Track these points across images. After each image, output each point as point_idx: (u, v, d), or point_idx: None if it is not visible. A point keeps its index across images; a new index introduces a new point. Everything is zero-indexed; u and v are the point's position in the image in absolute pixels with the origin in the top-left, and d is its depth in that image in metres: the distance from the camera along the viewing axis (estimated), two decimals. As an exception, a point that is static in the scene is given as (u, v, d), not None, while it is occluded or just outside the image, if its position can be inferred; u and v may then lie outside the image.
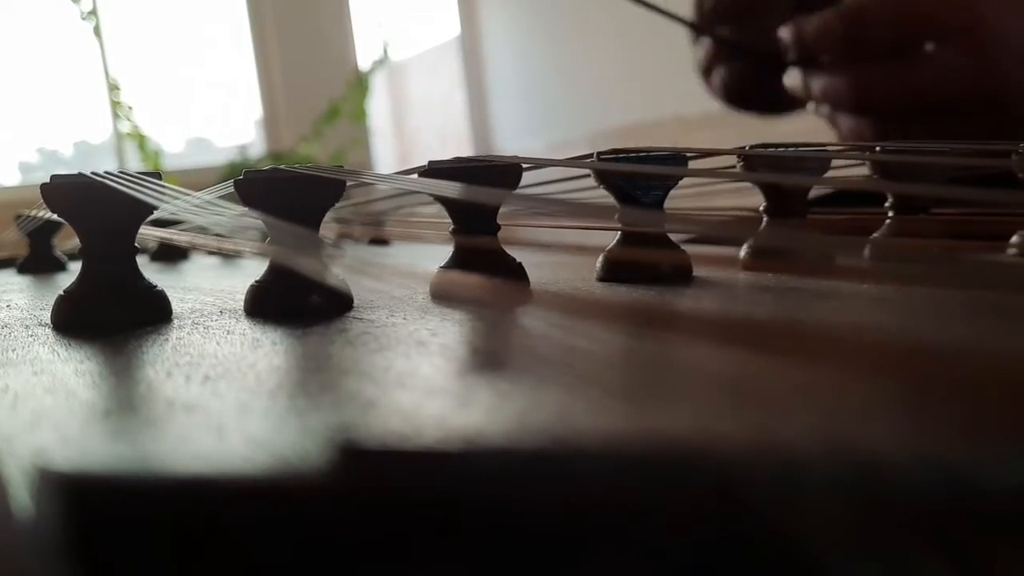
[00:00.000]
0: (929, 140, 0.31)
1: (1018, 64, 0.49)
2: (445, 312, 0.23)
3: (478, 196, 0.24)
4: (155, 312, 0.25)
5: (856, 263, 0.24)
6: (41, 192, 0.26)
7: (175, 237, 0.33)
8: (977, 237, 0.26)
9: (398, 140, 2.83)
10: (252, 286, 0.25)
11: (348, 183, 0.26)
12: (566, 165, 0.30)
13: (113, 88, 2.32)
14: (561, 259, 0.36)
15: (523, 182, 0.29)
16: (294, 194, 0.25)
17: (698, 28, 0.62)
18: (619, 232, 0.29)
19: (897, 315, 0.21)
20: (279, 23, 2.61)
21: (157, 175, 0.26)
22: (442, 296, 0.25)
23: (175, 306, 0.27)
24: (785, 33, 0.54)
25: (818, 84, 0.53)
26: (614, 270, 0.29)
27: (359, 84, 2.45)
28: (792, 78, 0.55)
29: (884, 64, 0.51)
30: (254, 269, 0.32)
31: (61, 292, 0.25)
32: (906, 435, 0.10)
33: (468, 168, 0.28)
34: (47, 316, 0.26)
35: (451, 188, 0.24)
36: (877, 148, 0.31)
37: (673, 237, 0.30)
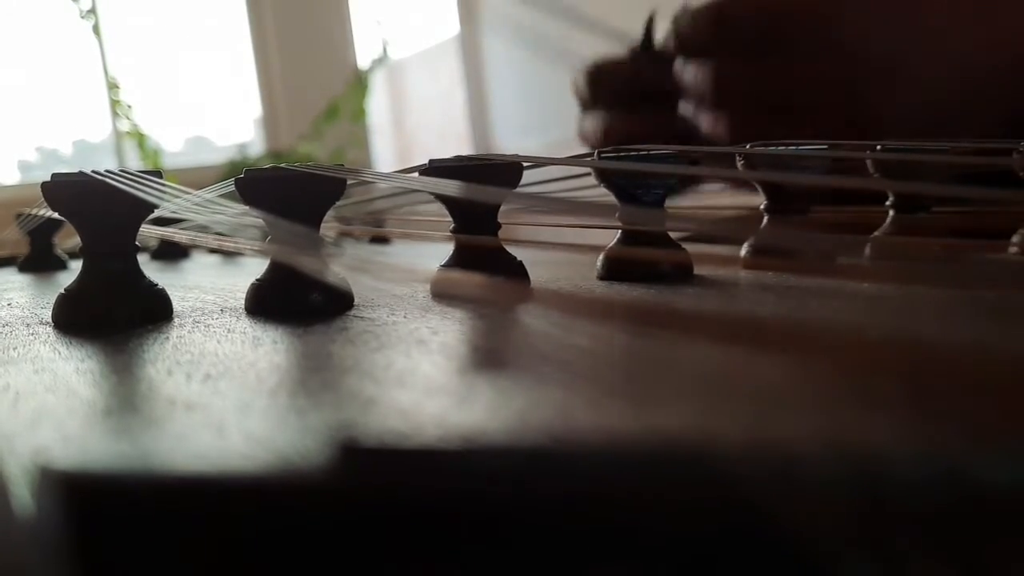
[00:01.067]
0: (786, 138, 0.31)
1: (876, 62, 0.50)
2: (445, 310, 0.23)
3: (479, 195, 0.24)
4: (156, 310, 0.25)
5: (857, 261, 0.24)
6: (42, 191, 0.26)
7: (176, 235, 0.33)
8: (978, 235, 0.26)
9: (398, 138, 2.83)
10: (253, 284, 0.25)
11: (348, 181, 0.26)
12: (567, 163, 0.30)
13: (112, 87, 2.32)
14: (562, 258, 0.36)
15: (524, 180, 0.29)
16: (294, 193, 0.25)
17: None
18: (620, 231, 0.29)
19: (898, 314, 0.21)
20: (278, 21, 2.60)
21: (157, 173, 0.26)
22: (442, 295, 0.25)
23: (176, 304, 0.27)
24: (668, 27, 0.55)
25: (687, 78, 0.55)
26: (615, 269, 0.29)
27: (359, 83, 2.45)
28: (676, 73, 0.56)
29: (741, 60, 0.52)
30: (255, 268, 0.32)
31: (62, 290, 0.25)
32: (906, 433, 0.10)
33: (469, 167, 0.28)
34: (48, 314, 0.26)
35: (452, 187, 0.24)
36: (878, 147, 0.31)
37: (674, 235, 0.30)
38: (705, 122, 0.55)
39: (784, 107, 0.52)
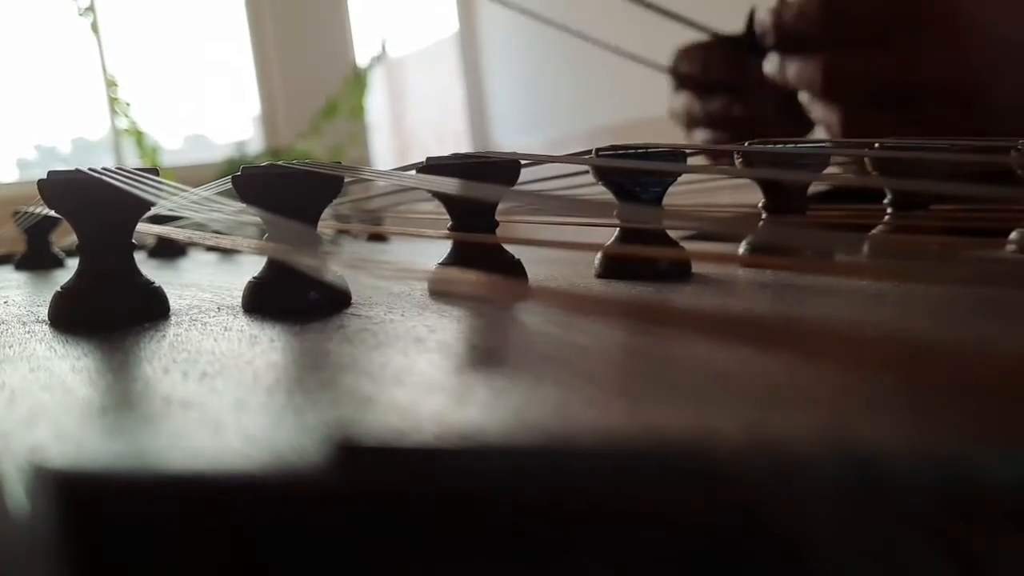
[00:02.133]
0: (905, 132, 0.31)
1: (996, 56, 0.49)
2: (443, 309, 0.23)
3: (476, 192, 0.24)
4: (153, 308, 0.25)
5: (855, 259, 0.24)
6: (39, 188, 0.25)
7: (173, 233, 0.33)
8: (976, 233, 0.26)
9: (396, 136, 2.83)
10: (250, 282, 0.25)
11: (346, 179, 0.26)
12: (565, 162, 0.30)
13: (111, 84, 2.32)
14: (559, 256, 0.36)
15: (521, 178, 0.29)
16: (292, 190, 0.25)
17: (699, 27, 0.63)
18: (618, 229, 0.29)
19: (896, 311, 0.21)
20: (277, 19, 2.60)
21: (155, 171, 0.26)
22: (440, 293, 0.25)
23: (173, 302, 0.27)
24: (764, 17, 0.54)
25: (793, 69, 0.53)
26: (613, 267, 0.29)
27: (357, 80, 2.45)
28: (771, 64, 0.55)
29: (857, 50, 0.51)
30: (252, 265, 0.32)
31: (58, 288, 0.25)
32: (906, 432, 0.10)
33: (466, 164, 0.28)
34: (44, 312, 0.26)
35: (449, 184, 0.24)
36: (876, 144, 0.30)
37: (672, 234, 0.30)
38: (820, 117, 0.54)
39: (905, 100, 0.50)
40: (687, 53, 0.64)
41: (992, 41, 0.49)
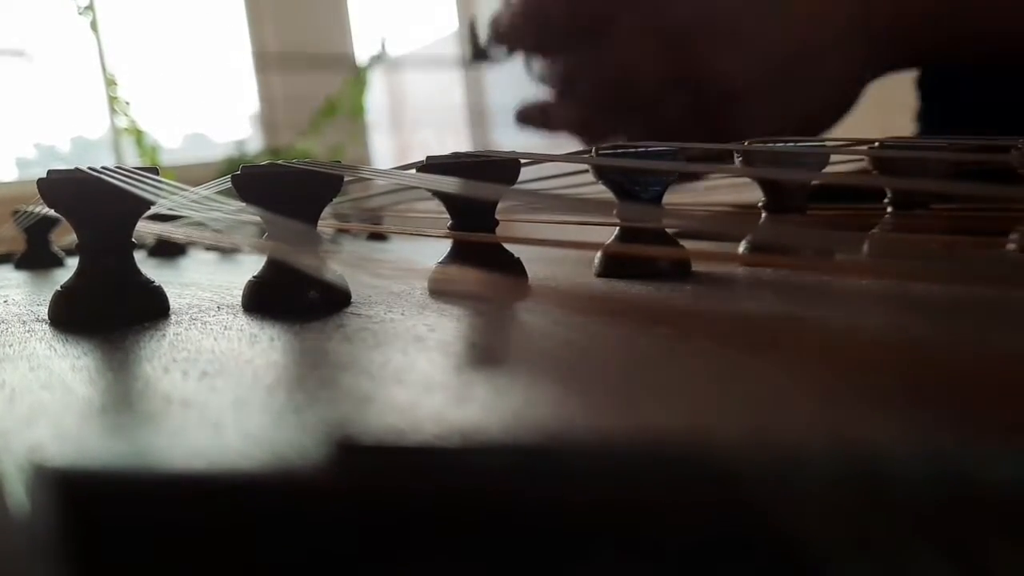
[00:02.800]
0: (641, 129, 0.31)
1: (706, 38, 0.48)
2: (443, 308, 0.23)
3: (476, 191, 0.24)
4: (152, 308, 0.25)
5: (855, 259, 0.24)
6: (38, 187, 0.25)
7: (172, 232, 0.33)
8: (976, 232, 0.26)
9: (396, 135, 2.82)
10: (250, 282, 0.25)
11: (346, 178, 0.26)
12: (564, 161, 0.30)
13: (110, 83, 2.32)
14: (559, 255, 0.36)
15: (521, 178, 0.29)
16: (292, 189, 0.25)
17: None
18: (618, 228, 0.29)
19: (896, 311, 0.21)
20: (277, 18, 2.60)
21: (154, 170, 0.26)
22: (440, 292, 0.25)
23: (172, 302, 0.27)
24: (493, 24, 0.54)
25: (536, 71, 0.53)
26: (613, 266, 0.29)
27: (357, 80, 2.45)
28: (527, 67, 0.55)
29: (572, 49, 0.50)
30: (252, 264, 0.32)
31: (58, 287, 0.25)
32: (905, 431, 0.10)
33: (466, 164, 0.28)
34: (44, 311, 0.26)
35: (449, 183, 0.24)
36: (877, 143, 0.30)
37: (672, 233, 0.30)
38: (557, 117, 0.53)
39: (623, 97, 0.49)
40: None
41: (699, 23, 0.47)
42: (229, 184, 0.25)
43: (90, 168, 0.25)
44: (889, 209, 0.31)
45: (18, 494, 0.11)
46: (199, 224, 0.28)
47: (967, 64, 0.52)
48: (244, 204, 0.24)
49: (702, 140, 0.32)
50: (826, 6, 0.48)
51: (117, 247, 0.25)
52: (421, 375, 0.15)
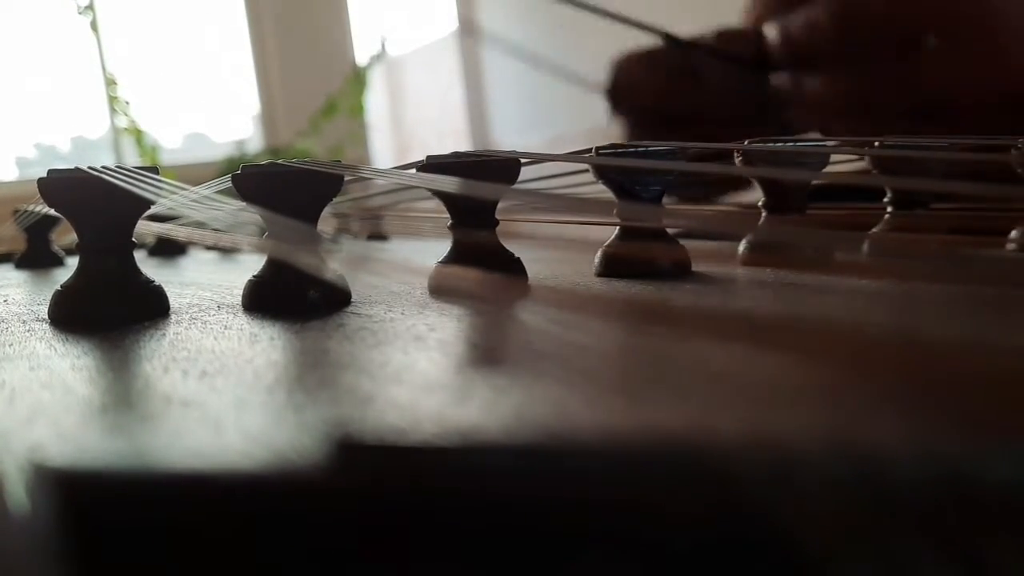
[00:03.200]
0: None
1: None
2: (443, 307, 0.23)
3: (476, 191, 0.24)
4: (153, 307, 0.25)
5: (855, 258, 0.24)
6: (39, 187, 0.25)
7: (173, 232, 0.33)
8: (976, 232, 0.26)
9: (396, 135, 2.82)
10: (250, 281, 0.25)
11: (346, 178, 0.26)
12: (565, 160, 0.30)
13: (110, 83, 2.32)
14: (560, 254, 0.36)
15: (521, 177, 0.29)
16: (292, 189, 0.25)
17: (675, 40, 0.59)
18: (618, 227, 0.29)
19: (896, 310, 0.21)
20: (276, 18, 2.60)
21: (155, 170, 0.26)
22: (440, 291, 0.25)
23: (173, 301, 0.27)
24: (771, 33, 0.51)
25: (809, 86, 0.50)
26: (613, 265, 0.29)
27: (357, 79, 2.45)
28: (779, 82, 0.52)
29: (882, 62, 0.47)
30: (252, 264, 0.32)
31: (58, 287, 0.25)
32: (905, 430, 0.10)
33: (466, 163, 0.28)
34: (44, 311, 0.26)
35: (449, 183, 0.24)
36: (876, 143, 0.30)
37: (672, 232, 0.30)
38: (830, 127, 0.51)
39: (937, 110, 0.47)
40: (628, 65, 0.57)
41: None
42: (229, 184, 0.25)
43: (90, 168, 0.25)
44: (889, 209, 0.31)
45: (18, 494, 0.11)
46: (199, 224, 0.28)
47: None
48: (244, 204, 0.24)
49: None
50: None
51: (117, 247, 0.25)
52: (421, 374, 0.15)
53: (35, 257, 0.49)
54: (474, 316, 0.22)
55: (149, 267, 0.29)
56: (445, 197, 0.28)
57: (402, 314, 0.22)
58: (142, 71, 2.49)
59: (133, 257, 0.26)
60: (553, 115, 2.26)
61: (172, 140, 2.66)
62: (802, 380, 0.13)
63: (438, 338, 0.19)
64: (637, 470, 0.10)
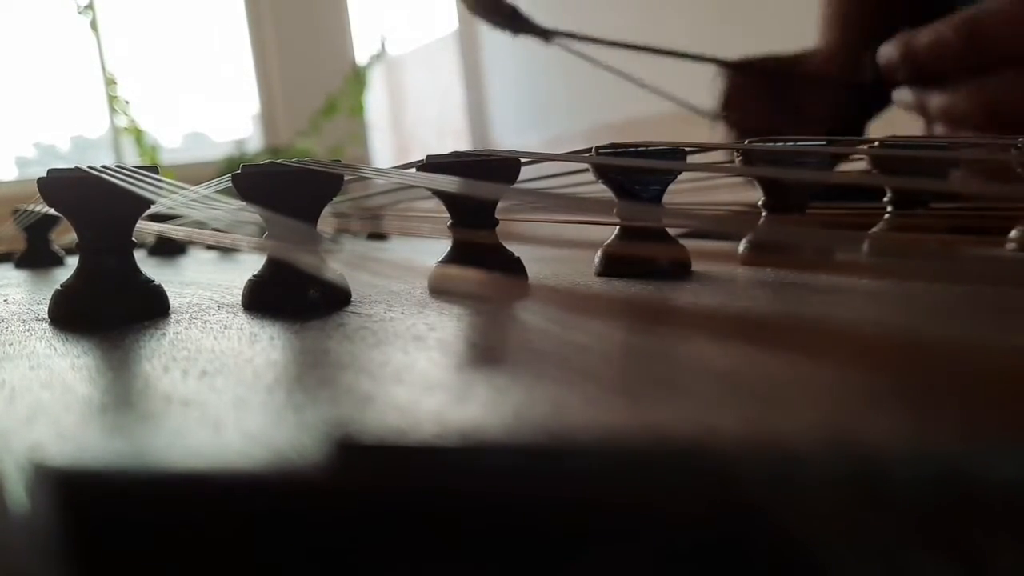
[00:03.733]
0: None
1: None
2: (443, 307, 0.23)
3: (476, 191, 0.24)
4: (152, 307, 0.25)
5: (855, 258, 0.24)
6: (38, 186, 0.25)
7: (172, 232, 0.33)
8: (976, 232, 0.26)
9: (396, 135, 2.83)
10: (250, 281, 0.25)
11: (346, 177, 0.26)
12: (564, 160, 0.30)
13: (110, 82, 2.32)
14: (559, 254, 0.36)
15: (521, 177, 0.29)
16: (292, 189, 0.25)
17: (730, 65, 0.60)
18: (618, 227, 0.29)
19: (896, 310, 0.21)
20: (276, 17, 2.60)
21: (154, 169, 0.26)
22: (440, 291, 0.25)
23: (173, 301, 0.27)
24: (891, 51, 0.50)
25: (936, 103, 0.49)
26: (613, 265, 0.29)
27: (356, 78, 2.45)
28: (903, 98, 0.51)
29: (1007, 77, 0.46)
30: (252, 264, 0.32)
31: (58, 287, 0.25)
32: (906, 430, 0.10)
33: (466, 163, 0.28)
34: (44, 310, 0.26)
35: (449, 182, 0.24)
36: (876, 143, 0.30)
37: (671, 232, 0.30)
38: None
39: None
40: (736, 86, 0.58)
41: None
42: (229, 183, 0.25)
43: (90, 167, 0.25)
44: (889, 208, 0.31)
45: (18, 494, 0.11)
46: (199, 223, 0.28)
47: None
48: (244, 203, 0.24)
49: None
50: None
51: (117, 246, 0.25)
52: (421, 374, 0.15)
53: (35, 257, 0.49)
54: (474, 316, 0.22)
55: (149, 267, 0.29)
56: (445, 197, 0.28)
57: (402, 314, 0.22)
58: (142, 70, 2.49)
59: (133, 257, 0.26)
60: (553, 114, 2.26)
61: (172, 140, 2.66)
62: (802, 380, 0.13)
63: (438, 338, 0.19)
64: (637, 470, 0.10)
